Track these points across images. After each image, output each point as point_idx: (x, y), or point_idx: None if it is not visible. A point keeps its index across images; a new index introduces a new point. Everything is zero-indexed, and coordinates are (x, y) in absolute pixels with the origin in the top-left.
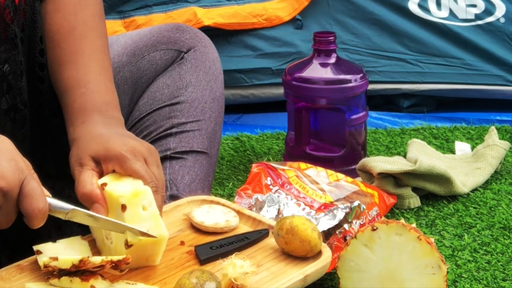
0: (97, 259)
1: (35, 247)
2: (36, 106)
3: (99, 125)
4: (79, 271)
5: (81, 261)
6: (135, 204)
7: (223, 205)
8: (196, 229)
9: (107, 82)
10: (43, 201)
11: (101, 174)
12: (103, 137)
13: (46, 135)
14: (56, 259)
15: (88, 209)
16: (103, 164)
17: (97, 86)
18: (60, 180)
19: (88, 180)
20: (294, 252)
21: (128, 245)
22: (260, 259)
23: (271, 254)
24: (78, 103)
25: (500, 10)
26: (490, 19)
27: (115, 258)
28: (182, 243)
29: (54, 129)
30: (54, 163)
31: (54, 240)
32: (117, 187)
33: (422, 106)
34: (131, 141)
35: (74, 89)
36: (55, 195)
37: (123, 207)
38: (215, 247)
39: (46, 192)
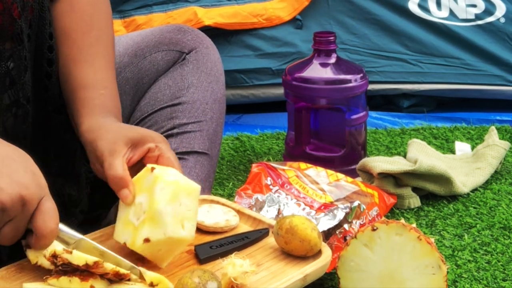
0: (108, 266)
1: (24, 242)
2: (41, 101)
3: (123, 124)
4: (78, 270)
5: (95, 262)
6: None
7: (223, 204)
8: (196, 228)
9: (117, 91)
10: (56, 222)
11: (129, 159)
12: (134, 127)
13: (49, 131)
14: (70, 252)
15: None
16: (137, 149)
17: (113, 93)
18: (61, 177)
19: (119, 164)
20: (293, 252)
21: (146, 240)
22: (260, 259)
23: (271, 254)
24: (99, 100)
25: (500, 10)
26: (490, 19)
27: (122, 270)
28: None
29: (58, 126)
30: (56, 159)
31: None
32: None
33: (422, 106)
34: (156, 133)
35: (93, 88)
36: (56, 192)
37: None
38: (215, 247)
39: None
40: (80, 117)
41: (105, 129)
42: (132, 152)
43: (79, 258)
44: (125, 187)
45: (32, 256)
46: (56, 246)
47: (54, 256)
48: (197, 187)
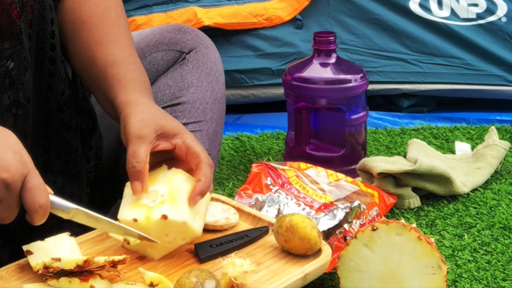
0: (100, 259)
1: (25, 247)
2: (42, 100)
3: (154, 103)
4: (78, 271)
5: (85, 261)
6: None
7: (223, 202)
8: None
9: (143, 66)
10: (45, 196)
11: (154, 148)
12: (168, 117)
13: (50, 131)
14: (58, 259)
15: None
16: (165, 139)
17: (142, 68)
18: (63, 176)
19: (143, 154)
20: (293, 250)
21: (163, 217)
22: (260, 257)
23: (271, 252)
24: (131, 75)
25: (502, 9)
26: (491, 18)
27: (116, 258)
28: None
29: (60, 124)
30: (57, 158)
31: (42, 239)
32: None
33: (422, 106)
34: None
35: (122, 64)
36: (57, 191)
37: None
38: (215, 245)
39: (49, 190)
40: (114, 92)
41: (141, 106)
42: (158, 141)
43: (68, 262)
44: (139, 181)
45: (34, 263)
46: (44, 258)
47: (46, 267)
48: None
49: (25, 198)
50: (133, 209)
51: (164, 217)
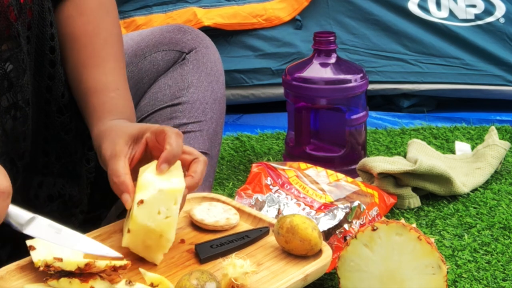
0: (101, 264)
1: (28, 242)
2: (42, 103)
3: (128, 122)
4: (77, 272)
5: (87, 264)
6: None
7: (224, 202)
8: (197, 226)
9: (129, 90)
10: (7, 182)
11: (132, 157)
12: (136, 124)
13: (50, 133)
14: (60, 259)
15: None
16: (136, 146)
17: (125, 94)
18: (62, 178)
19: (120, 169)
20: (294, 251)
21: (140, 202)
22: (260, 258)
23: (272, 253)
24: (109, 104)
25: (500, 10)
26: (490, 19)
27: (118, 263)
28: (182, 241)
29: (60, 126)
30: (57, 160)
31: None
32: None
33: (422, 106)
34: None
35: (103, 91)
36: (57, 192)
37: (140, 202)
38: (215, 246)
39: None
40: (91, 124)
41: (108, 131)
42: (133, 150)
43: (70, 263)
44: (125, 192)
45: (36, 259)
46: (47, 255)
47: (47, 266)
48: (179, 187)
49: None
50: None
51: (141, 202)
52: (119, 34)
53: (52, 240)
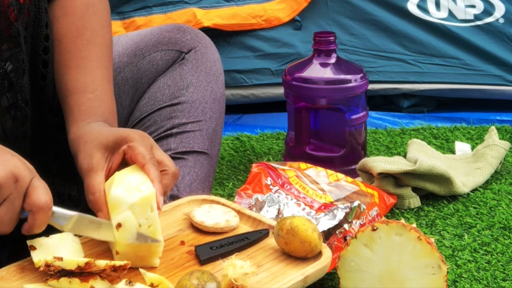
0: (101, 263)
1: (29, 242)
2: (37, 103)
3: (104, 127)
4: (78, 272)
5: (87, 263)
6: (139, 211)
7: (224, 204)
8: (196, 229)
9: (111, 92)
10: (50, 195)
11: (109, 169)
12: (112, 129)
13: (46, 133)
14: (60, 259)
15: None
16: (114, 154)
17: (103, 95)
18: (61, 178)
19: (95, 185)
20: (294, 253)
21: (117, 253)
22: (260, 260)
23: (271, 255)
24: (86, 106)
25: (499, 10)
26: (489, 19)
27: (118, 263)
28: (182, 243)
29: (54, 127)
30: (55, 160)
31: (47, 235)
32: (123, 192)
33: (422, 106)
34: (137, 131)
35: (81, 93)
36: (55, 192)
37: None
38: (215, 247)
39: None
40: (68, 125)
41: (83, 140)
42: (111, 161)
43: (70, 262)
44: (100, 211)
45: (37, 259)
46: (47, 255)
47: (48, 265)
48: (150, 193)
49: (31, 195)
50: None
51: (119, 225)
52: (106, 35)
53: (95, 236)
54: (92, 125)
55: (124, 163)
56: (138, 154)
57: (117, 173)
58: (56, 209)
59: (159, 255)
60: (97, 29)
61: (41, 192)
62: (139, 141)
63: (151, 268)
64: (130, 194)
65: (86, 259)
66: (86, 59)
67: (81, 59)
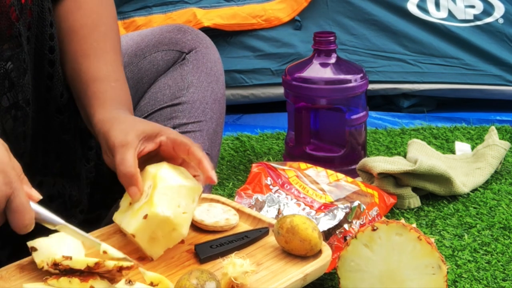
0: (110, 264)
1: (29, 243)
2: (42, 103)
3: (132, 116)
4: (78, 271)
5: (96, 263)
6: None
7: (223, 203)
8: (196, 227)
9: (127, 84)
10: (29, 217)
11: (141, 152)
12: (147, 121)
13: (49, 133)
14: (70, 258)
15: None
16: (149, 141)
17: (123, 85)
18: (61, 178)
19: (131, 160)
20: (294, 251)
21: (145, 217)
22: (260, 258)
23: (271, 253)
24: (111, 93)
25: (499, 10)
26: (488, 19)
27: (125, 264)
28: (182, 241)
29: (59, 127)
30: (56, 160)
31: (46, 235)
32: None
33: (422, 106)
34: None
35: (104, 80)
36: (57, 192)
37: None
38: (215, 246)
39: (37, 195)
40: (93, 109)
41: (118, 120)
42: (143, 145)
43: (79, 262)
44: (134, 185)
45: (39, 260)
46: (49, 255)
47: (56, 264)
48: (198, 186)
49: (9, 218)
50: (124, 212)
51: (145, 216)
52: (117, 30)
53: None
54: (120, 111)
55: (150, 158)
56: (181, 143)
57: (163, 162)
58: (43, 212)
59: (170, 245)
60: (110, 24)
61: (20, 217)
62: (177, 134)
63: (151, 267)
64: (181, 178)
65: (96, 259)
66: (105, 51)
67: (100, 50)
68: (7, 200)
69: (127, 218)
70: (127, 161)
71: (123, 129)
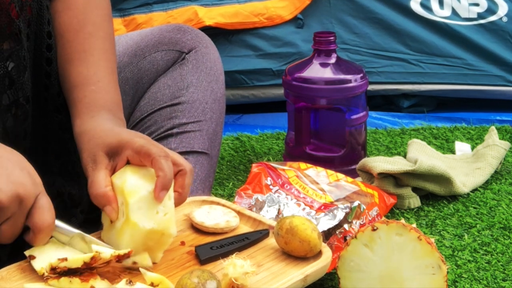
0: (106, 255)
1: (27, 253)
2: (41, 101)
3: (108, 121)
4: (78, 271)
5: (92, 258)
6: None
7: (224, 205)
8: (197, 229)
9: (115, 82)
10: (53, 216)
11: (114, 169)
12: (115, 130)
13: (48, 131)
14: (65, 259)
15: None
16: (117, 156)
17: (106, 86)
18: (61, 177)
19: (101, 181)
20: (294, 252)
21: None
22: (261, 259)
23: (272, 254)
24: (88, 98)
25: (503, 9)
26: (492, 18)
27: (122, 252)
28: (182, 243)
29: (57, 125)
30: (56, 159)
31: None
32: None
33: (422, 106)
34: (141, 135)
35: (83, 85)
36: (56, 192)
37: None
38: (216, 247)
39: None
40: (72, 119)
41: (87, 136)
42: (115, 161)
43: (75, 261)
44: (108, 205)
45: (39, 268)
46: (48, 261)
47: (53, 268)
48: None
49: (33, 215)
50: (109, 231)
51: (131, 235)
52: (108, 28)
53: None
54: (96, 119)
55: None
56: (145, 153)
57: (127, 165)
58: (60, 224)
59: (166, 247)
60: (99, 22)
61: (44, 214)
62: (143, 143)
63: (151, 268)
64: (147, 183)
65: (91, 254)
66: (88, 52)
67: (83, 52)
68: (35, 197)
69: (114, 238)
70: (96, 183)
71: (91, 148)
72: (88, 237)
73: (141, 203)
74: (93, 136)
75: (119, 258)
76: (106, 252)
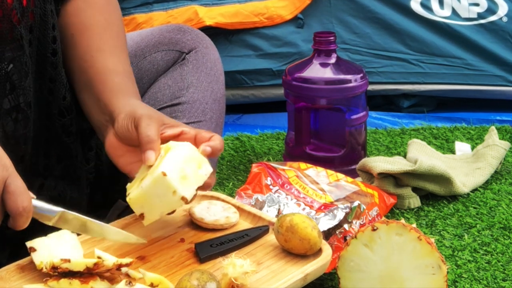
0: (109, 263)
1: (28, 244)
2: (44, 105)
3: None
4: (79, 272)
5: (95, 264)
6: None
7: (223, 200)
8: (196, 225)
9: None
10: (27, 199)
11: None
12: (152, 109)
13: (51, 135)
14: (68, 261)
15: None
16: (169, 129)
17: (132, 77)
18: (63, 181)
19: (155, 129)
20: (293, 250)
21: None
22: (260, 257)
23: (271, 252)
24: (132, 88)
25: (503, 9)
26: (492, 18)
27: (124, 261)
28: (182, 240)
29: (60, 129)
30: (58, 162)
31: (45, 234)
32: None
33: (422, 106)
34: None
35: (122, 74)
36: (57, 195)
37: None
38: (215, 245)
39: (31, 194)
40: (114, 97)
41: (144, 105)
42: (165, 130)
43: (78, 264)
44: (153, 150)
45: (38, 261)
46: (47, 256)
47: (54, 267)
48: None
49: (7, 201)
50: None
51: (163, 174)
52: (124, 32)
53: (81, 232)
54: (136, 100)
55: None
56: (204, 132)
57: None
58: (40, 204)
59: (172, 208)
60: (120, 25)
61: (18, 198)
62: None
63: (151, 267)
64: (195, 151)
65: (94, 260)
66: (119, 49)
67: (114, 48)
68: (4, 182)
69: (136, 185)
70: (152, 127)
71: (150, 111)
72: (72, 213)
73: (176, 157)
74: (151, 108)
75: (120, 267)
76: (109, 259)
